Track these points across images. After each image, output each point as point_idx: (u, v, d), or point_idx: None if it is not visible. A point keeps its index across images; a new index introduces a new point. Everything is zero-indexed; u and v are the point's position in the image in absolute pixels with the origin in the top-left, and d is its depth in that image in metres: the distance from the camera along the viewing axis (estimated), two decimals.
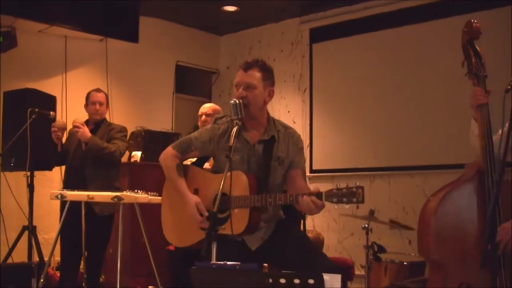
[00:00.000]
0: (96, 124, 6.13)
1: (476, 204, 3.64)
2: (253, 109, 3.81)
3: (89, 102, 6.14)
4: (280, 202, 3.62)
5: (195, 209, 3.81)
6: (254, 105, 3.81)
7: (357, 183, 3.35)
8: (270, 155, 3.85)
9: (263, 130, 3.91)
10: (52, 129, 5.86)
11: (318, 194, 3.43)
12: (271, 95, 3.93)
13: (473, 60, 3.75)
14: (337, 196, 3.37)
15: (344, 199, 3.35)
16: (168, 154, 4.05)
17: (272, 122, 3.97)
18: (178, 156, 4.02)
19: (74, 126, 5.86)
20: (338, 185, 3.40)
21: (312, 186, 3.57)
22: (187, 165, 4.13)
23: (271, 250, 3.85)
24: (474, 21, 3.81)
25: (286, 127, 4.03)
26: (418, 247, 3.83)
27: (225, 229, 3.52)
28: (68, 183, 5.93)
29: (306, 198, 3.44)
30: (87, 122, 6.12)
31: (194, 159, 4.34)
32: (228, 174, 3.44)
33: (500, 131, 3.96)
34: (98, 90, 6.26)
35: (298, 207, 3.66)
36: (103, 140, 5.96)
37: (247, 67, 3.85)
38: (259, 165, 3.84)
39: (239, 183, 3.65)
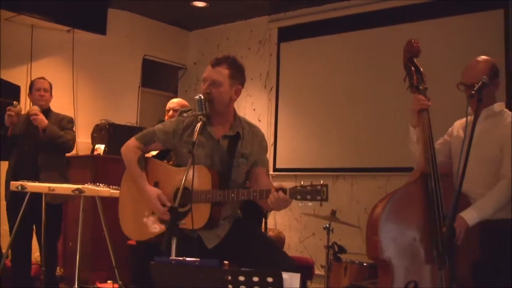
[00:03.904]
0: (43, 112, 6.08)
1: (420, 204, 3.81)
2: (217, 106, 3.79)
3: (33, 89, 6.19)
4: (243, 198, 3.62)
5: (156, 201, 3.79)
6: (219, 102, 3.79)
7: (321, 181, 3.35)
8: (233, 151, 3.84)
9: (228, 126, 3.90)
10: (8, 112, 5.83)
11: (283, 191, 3.43)
12: (238, 93, 3.90)
13: (414, 76, 4.07)
14: (301, 194, 3.37)
15: (308, 197, 3.34)
16: (130, 146, 4.02)
17: (238, 119, 3.96)
18: (140, 147, 3.99)
19: (32, 114, 5.84)
20: (302, 182, 3.39)
21: (276, 184, 3.57)
22: (148, 158, 4.10)
23: (228, 248, 3.84)
24: (414, 40, 4.12)
25: (250, 125, 4.02)
26: (366, 250, 3.91)
27: (185, 224, 3.50)
28: (19, 172, 5.90)
29: (274, 193, 3.43)
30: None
31: (156, 152, 4.32)
32: (191, 168, 3.43)
33: (441, 139, 4.30)
34: (40, 78, 6.32)
35: (261, 203, 3.67)
36: None
37: (215, 63, 3.82)
38: (222, 160, 3.83)
39: (202, 178, 3.65)
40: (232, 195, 3.61)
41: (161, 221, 3.84)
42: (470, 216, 3.75)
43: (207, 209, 3.67)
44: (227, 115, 3.91)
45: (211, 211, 3.67)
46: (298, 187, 3.39)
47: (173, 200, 3.78)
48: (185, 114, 4.01)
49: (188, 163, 3.42)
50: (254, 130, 4.00)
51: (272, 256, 3.77)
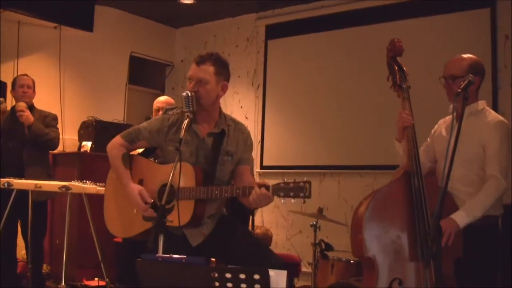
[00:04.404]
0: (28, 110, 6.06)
1: (403, 202, 3.84)
2: (204, 103, 3.79)
3: (16, 85, 6.17)
4: (226, 195, 3.62)
5: (138, 197, 3.79)
6: (206, 100, 3.79)
7: (305, 178, 3.34)
8: (218, 149, 3.85)
9: (214, 123, 3.90)
10: None
11: (266, 188, 3.42)
12: (224, 89, 3.90)
13: (397, 75, 4.13)
14: (284, 191, 3.37)
15: (291, 194, 3.34)
16: (115, 143, 4.02)
17: (223, 116, 3.96)
18: (125, 145, 3.99)
19: (19, 110, 5.86)
20: (286, 179, 3.40)
21: (260, 181, 3.58)
22: (133, 155, 4.10)
23: (213, 246, 3.83)
24: (397, 39, 4.18)
25: (236, 122, 4.03)
26: (351, 248, 3.93)
27: (172, 222, 3.50)
28: (3, 169, 5.88)
29: (256, 189, 3.43)
30: (14, 108, 6.14)
31: (141, 150, 4.31)
32: (177, 166, 3.42)
33: (423, 146, 4.36)
34: (23, 74, 6.33)
35: (244, 200, 3.68)
36: None
37: (200, 61, 3.81)
38: (207, 158, 3.83)
39: (186, 175, 3.64)
40: (216, 192, 3.61)
41: (145, 218, 3.83)
42: (460, 218, 3.76)
43: (191, 206, 3.67)
44: (213, 112, 3.92)
45: (195, 208, 3.67)
46: (281, 184, 3.39)
47: (157, 197, 3.79)
48: (170, 112, 4.00)
49: (176, 161, 3.42)
50: (239, 128, 4.01)
51: (258, 254, 3.78)
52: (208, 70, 3.79)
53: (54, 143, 6.07)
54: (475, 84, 3.88)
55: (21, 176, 5.72)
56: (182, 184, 3.62)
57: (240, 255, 3.75)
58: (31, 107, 6.15)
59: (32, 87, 6.20)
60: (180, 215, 3.57)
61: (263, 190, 3.41)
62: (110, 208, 4.10)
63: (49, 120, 6.14)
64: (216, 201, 3.86)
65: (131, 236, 3.96)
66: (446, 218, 3.71)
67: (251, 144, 4.07)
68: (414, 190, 3.80)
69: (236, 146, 3.92)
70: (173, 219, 3.51)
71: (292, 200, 3.37)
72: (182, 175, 3.56)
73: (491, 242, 3.95)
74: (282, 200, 3.39)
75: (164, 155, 3.99)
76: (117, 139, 4.03)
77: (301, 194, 3.33)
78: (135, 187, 3.83)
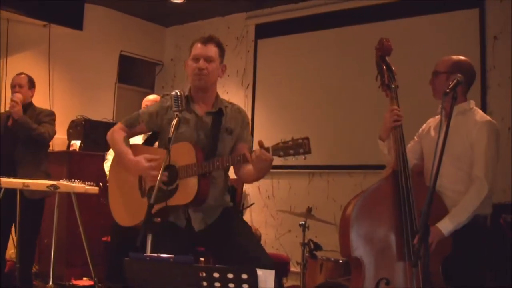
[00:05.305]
0: (23, 107, 6.03)
1: (391, 202, 3.84)
2: (209, 82, 3.89)
3: (11, 86, 6.12)
4: (228, 164, 3.68)
5: (145, 162, 3.80)
6: (211, 78, 3.89)
7: (302, 136, 3.41)
8: (218, 126, 3.91)
9: (211, 104, 3.97)
10: None
11: (265, 149, 3.46)
12: (224, 70, 4.02)
13: (385, 74, 4.13)
14: (283, 149, 3.42)
15: (291, 151, 3.40)
16: (115, 128, 4.06)
17: (219, 98, 4.04)
18: (125, 129, 4.02)
19: (12, 100, 5.85)
20: (283, 139, 3.43)
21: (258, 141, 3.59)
22: (132, 144, 4.09)
23: (214, 236, 3.85)
24: (385, 39, 4.19)
25: (232, 104, 4.11)
26: (340, 247, 3.94)
27: (175, 200, 3.52)
28: None
29: (257, 150, 3.47)
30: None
31: (142, 142, 4.32)
32: (173, 146, 3.46)
33: (411, 142, 4.36)
34: (19, 73, 6.28)
35: (245, 173, 3.81)
36: None
37: (206, 41, 3.91)
38: (207, 136, 3.88)
39: (186, 154, 3.70)
40: (217, 163, 3.65)
41: (147, 195, 3.82)
42: (445, 226, 3.77)
43: (195, 183, 3.69)
44: (211, 93, 4.00)
45: (199, 183, 3.68)
46: (280, 144, 3.44)
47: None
48: (167, 96, 4.02)
49: (165, 157, 3.43)
50: (236, 108, 4.09)
51: (253, 252, 3.78)
52: (213, 50, 3.91)
53: (43, 137, 5.97)
54: (464, 85, 3.89)
55: (14, 175, 5.69)
56: (183, 163, 3.68)
57: (237, 251, 3.75)
58: (28, 105, 6.12)
59: (26, 85, 6.14)
60: (185, 193, 3.65)
61: (263, 151, 3.45)
62: (116, 200, 4.11)
63: (42, 117, 6.09)
64: (217, 187, 3.89)
65: (138, 223, 3.94)
66: (432, 226, 3.68)
67: (248, 123, 4.13)
68: (402, 190, 3.80)
69: (235, 123, 3.99)
70: (177, 197, 3.61)
71: (293, 158, 3.40)
72: (183, 154, 3.66)
73: (478, 241, 3.96)
74: (283, 159, 3.42)
75: (164, 138, 3.99)
76: (117, 125, 4.08)
77: (301, 151, 3.40)
78: (139, 157, 3.84)
